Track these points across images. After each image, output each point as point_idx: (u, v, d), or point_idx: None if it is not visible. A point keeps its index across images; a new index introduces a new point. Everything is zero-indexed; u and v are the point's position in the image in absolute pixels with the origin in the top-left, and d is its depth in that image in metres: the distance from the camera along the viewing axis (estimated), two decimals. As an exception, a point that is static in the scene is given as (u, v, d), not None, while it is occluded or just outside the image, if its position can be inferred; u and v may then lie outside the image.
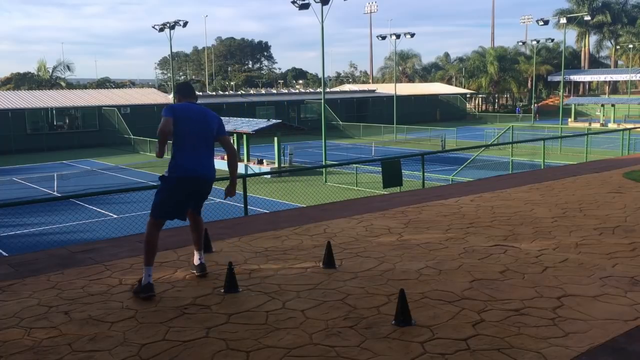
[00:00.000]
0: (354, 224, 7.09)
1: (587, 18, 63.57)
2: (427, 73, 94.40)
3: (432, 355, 3.52)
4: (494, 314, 4.15)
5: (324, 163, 27.33)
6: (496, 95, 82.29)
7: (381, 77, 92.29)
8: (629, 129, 23.16)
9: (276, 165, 29.77)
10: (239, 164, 31.65)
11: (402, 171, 11.71)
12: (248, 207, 9.13)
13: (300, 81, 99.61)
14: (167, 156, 5.10)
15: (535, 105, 64.65)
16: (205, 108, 5.12)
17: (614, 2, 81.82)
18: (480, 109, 79.95)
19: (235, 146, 32.79)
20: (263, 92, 62.37)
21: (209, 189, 5.07)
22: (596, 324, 3.94)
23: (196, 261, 5.18)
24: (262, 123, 31.17)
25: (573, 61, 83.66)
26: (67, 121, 47.08)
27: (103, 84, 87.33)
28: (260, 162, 30.48)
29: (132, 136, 43.56)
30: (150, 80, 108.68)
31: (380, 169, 11.93)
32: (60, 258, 5.92)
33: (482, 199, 8.56)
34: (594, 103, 60.26)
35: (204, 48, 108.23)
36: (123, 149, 42.61)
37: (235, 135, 32.55)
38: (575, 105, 58.77)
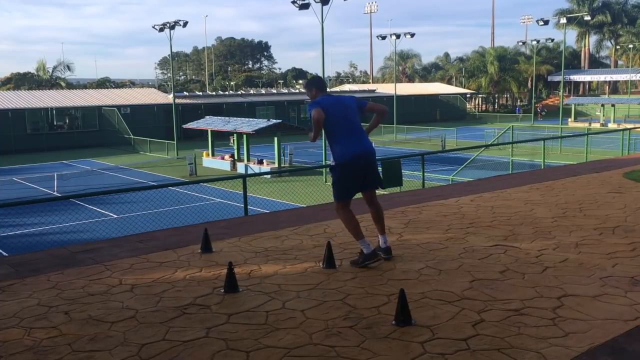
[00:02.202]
0: (354, 224, 7.08)
1: (587, 18, 63.63)
2: (427, 73, 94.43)
3: (432, 355, 3.52)
4: (494, 314, 4.15)
5: (324, 163, 27.33)
6: (496, 95, 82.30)
7: (381, 77, 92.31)
8: (629, 129, 23.16)
9: (276, 165, 29.77)
10: (239, 164, 31.29)
11: (402, 171, 11.69)
12: (248, 207, 9.13)
13: (300, 81, 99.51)
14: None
15: (540, 104, 64.55)
16: (339, 95, 5.62)
17: (614, 2, 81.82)
18: (480, 109, 79.96)
19: (235, 146, 32.93)
20: (263, 92, 62.35)
21: (375, 163, 5.49)
22: (596, 324, 3.94)
23: (382, 244, 5.51)
24: (262, 123, 31.17)
25: (573, 61, 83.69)
26: (67, 121, 47.08)
27: (103, 84, 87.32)
28: (260, 162, 30.48)
29: (132, 136, 43.57)
30: (150, 80, 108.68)
31: (380, 169, 11.91)
32: (60, 258, 5.92)
33: (482, 199, 8.56)
34: (594, 103, 60.26)
35: (204, 48, 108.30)
36: (123, 149, 42.62)
37: (235, 135, 32.58)
38: (575, 105, 58.77)
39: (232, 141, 34.99)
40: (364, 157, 5.30)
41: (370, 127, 5.69)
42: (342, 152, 5.24)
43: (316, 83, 5.58)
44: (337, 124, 5.25)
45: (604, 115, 53.30)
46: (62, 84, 71.22)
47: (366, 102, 5.55)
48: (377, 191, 5.64)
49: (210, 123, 34.58)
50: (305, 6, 29.53)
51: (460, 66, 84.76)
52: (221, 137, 37.43)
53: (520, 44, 79.12)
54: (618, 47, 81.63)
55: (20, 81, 77.70)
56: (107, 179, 29.15)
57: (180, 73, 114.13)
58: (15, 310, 4.45)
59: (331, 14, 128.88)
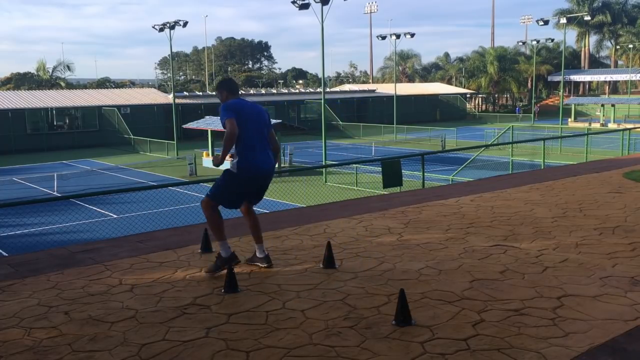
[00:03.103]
0: (354, 224, 7.09)
1: (587, 18, 63.63)
2: (427, 73, 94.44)
3: (432, 355, 3.52)
4: (494, 314, 4.15)
5: (324, 163, 27.33)
6: (496, 95, 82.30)
7: (381, 77, 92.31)
8: (629, 129, 23.17)
9: (276, 165, 29.73)
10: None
11: (402, 171, 11.70)
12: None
13: (300, 81, 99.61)
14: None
15: (537, 105, 64.65)
16: (255, 104, 5.27)
17: (614, 2, 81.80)
18: (480, 109, 79.96)
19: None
20: (263, 92, 62.34)
21: (270, 179, 5.28)
22: (596, 324, 3.94)
23: (260, 254, 5.30)
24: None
25: (573, 61, 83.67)
26: (67, 121, 47.07)
27: (103, 84, 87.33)
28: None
29: (132, 136, 43.57)
30: (150, 80, 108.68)
31: (380, 169, 11.93)
32: (60, 258, 5.92)
33: (482, 199, 8.56)
34: (594, 103, 60.25)
35: (204, 48, 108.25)
36: (123, 149, 42.62)
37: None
38: (575, 105, 58.76)
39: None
40: (264, 171, 5.08)
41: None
42: (248, 160, 4.95)
43: (227, 85, 5.20)
44: (250, 130, 4.94)
45: (604, 115, 53.30)
46: (62, 84, 71.22)
47: (271, 127, 5.27)
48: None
49: (210, 123, 34.56)
50: (305, 6, 29.53)
51: (460, 66, 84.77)
52: (221, 137, 37.32)
53: (520, 44, 79.16)
54: (618, 47, 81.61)
55: (20, 81, 77.70)
56: (107, 179, 29.15)
57: (180, 73, 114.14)
58: (15, 310, 4.45)
59: (331, 14, 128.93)
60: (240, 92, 5.33)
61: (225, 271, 4.83)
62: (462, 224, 6.98)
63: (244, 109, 4.95)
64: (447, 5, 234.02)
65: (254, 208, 5.44)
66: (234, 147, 4.92)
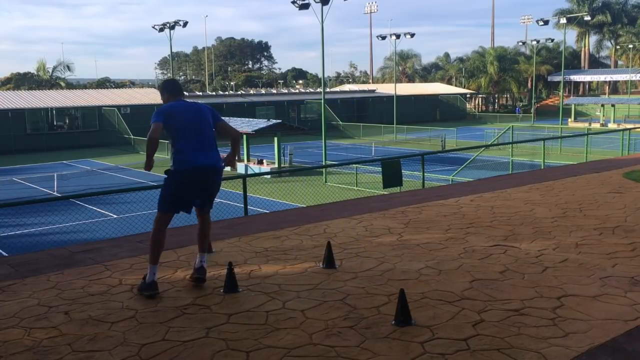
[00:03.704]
0: (354, 224, 7.09)
1: (587, 18, 63.58)
2: (427, 73, 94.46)
3: (432, 355, 3.52)
4: (494, 314, 4.15)
5: (324, 163, 27.33)
6: (496, 95, 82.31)
7: (381, 77, 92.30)
8: (629, 129, 23.16)
9: (276, 165, 29.76)
10: (239, 164, 31.19)
11: (402, 171, 11.71)
12: (248, 207, 9.13)
13: (300, 81, 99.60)
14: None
15: (535, 105, 64.73)
16: (195, 102, 5.13)
17: (614, 2, 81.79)
18: (480, 109, 79.95)
19: (235, 146, 32.87)
20: (263, 92, 62.37)
21: (218, 180, 4.99)
22: (596, 324, 3.94)
23: (197, 264, 4.97)
24: (262, 123, 31.18)
25: (573, 61, 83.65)
26: (67, 121, 47.07)
27: (103, 84, 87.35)
28: (260, 162, 30.47)
29: (132, 136, 43.56)
30: (150, 80, 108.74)
31: (380, 169, 11.93)
32: (60, 258, 5.92)
33: (482, 199, 8.56)
34: (594, 103, 60.25)
35: (204, 48, 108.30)
36: (123, 149, 42.62)
37: (235, 135, 32.53)
38: (575, 105, 58.77)
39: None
40: (204, 170, 4.82)
41: (233, 150, 5.14)
42: (183, 160, 4.78)
43: (168, 87, 5.06)
44: (184, 130, 4.80)
45: (603, 115, 53.30)
46: (62, 84, 71.22)
47: (220, 119, 5.12)
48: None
49: (210, 123, 34.53)
50: (305, 6, 29.52)
51: (460, 66, 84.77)
52: (221, 137, 37.38)
53: (520, 44, 79.08)
54: (618, 47, 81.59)
55: (20, 81, 77.71)
56: (107, 179, 29.15)
57: (180, 73, 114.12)
58: (15, 310, 4.45)
59: (331, 14, 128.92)
60: (184, 93, 5.20)
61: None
62: (462, 224, 6.98)
63: (176, 112, 4.80)
64: (447, 5, 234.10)
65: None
66: (171, 150, 4.86)
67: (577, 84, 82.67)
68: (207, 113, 5.00)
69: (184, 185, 4.82)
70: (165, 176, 4.91)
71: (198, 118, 4.91)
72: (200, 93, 61.05)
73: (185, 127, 4.82)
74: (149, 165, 4.83)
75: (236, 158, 5.21)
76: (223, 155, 5.10)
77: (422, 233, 6.58)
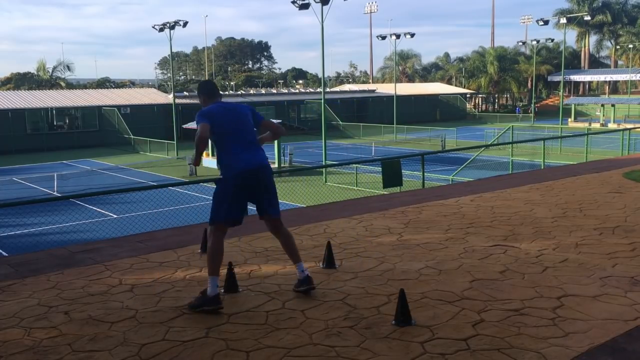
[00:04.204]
0: (354, 224, 7.09)
1: (587, 18, 63.59)
2: (427, 73, 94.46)
3: (432, 355, 3.52)
4: (494, 314, 4.15)
5: (324, 163, 27.33)
6: (496, 95, 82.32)
7: (381, 77, 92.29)
8: (629, 129, 23.16)
9: (276, 165, 29.76)
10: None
11: (402, 171, 11.70)
12: (248, 207, 9.11)
13: (300, 81, 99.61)
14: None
15: (536, 106, 64.77)
16: (234, 103, 5.03)
17: (614, 2, 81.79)
18: (480, 109, 79.97)
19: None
20: (263, 92, 62.36)
21: (271, 179, 4.80)
22: (596, 324, 3.94)
23: (300, 275, 4.69)
24: (262, 123, 31.11)
25: (573, 61, 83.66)
26: (67, 121, 47.08)
27: (103, 84, 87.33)
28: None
29: (132, 136, 43.57)
30: (150, 80, 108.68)
31: (380, 169, 11.93)
32: (60, 258, 5.92)
33: (482, 199, 8.56)
34: (594, 103, 60.26)
35: (204, 48, 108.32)
36: (123, 149, 42.62)
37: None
38: (575, 105, 58.78)
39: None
40: (255, 170, 4.63)
41: (262, 140, 4.96)
42: (230, 165, 4.59)
43: (204, 89, 4.93)
44: (227, 135, 4.66)
45: (604, 115, 53.30)
46: (62, 84, 71.24)
47: (262, 117, 4.98)
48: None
49: (210, 123, 34.54)
50: (305, 6, 29.53)
51: (460, 66, 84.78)
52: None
53: (520, 44, 79.12)
54: (618, 47, 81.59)
55: (20, 81, 77.70)
56: (107, 179, 29.15)
57: (180, 73, 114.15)
58: (15, 310, 4.45)
59: (331, 14, 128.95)
60: (221, 94, 5.07)
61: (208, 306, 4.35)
62: (462, 224, 6.98)
63: (218, 115, 4.67)
64: (447, 5, 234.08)
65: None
66: (218, 156, 4.73)
67: (577, 84, 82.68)
68: (248, 113, 4.86)
69: (237, 190, 4.59)
70: (216, 186, 4.73)
71: (240, 119, 4.77)
72: (201, 93, 60.93)
73: (229, 130, 4.69)
74: (197, 161, 4.62)
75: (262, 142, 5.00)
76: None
77: (422, 233, 6.58)
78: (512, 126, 28.55)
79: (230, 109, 4.78)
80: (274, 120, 4.84)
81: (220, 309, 4.32)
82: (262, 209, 4.72)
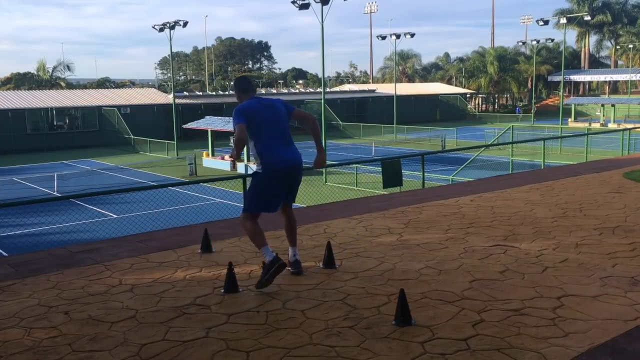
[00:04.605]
0: (354, 224, 7.09)
1: (587, 18, 63.61)
2: (427, 73, 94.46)
3: (432, 355, 3.52)
4: (494, 314, 4.15)
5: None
6: (496, 95, 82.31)
7: (381, 77, 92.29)
8: (629, 129, 23.15)
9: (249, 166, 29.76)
10: (239, 164, 31.21)
11: (402, 171, 11.70)
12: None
13: (300, 81, 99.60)
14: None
15: (535, 106, 64.78)
16: (267, 97, 5.19)
17: (614, 2, 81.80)
18: (480, 109, 79.98)
19: (235, 146, 32.92)
20: (263, 92, 62.30)
21: (301, 176, 5.14)
22: (596, 324, 3.94)
23: (290, 258, 5.14)
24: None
25: (573, 61, 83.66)
26: (67, 121, 47.09)
27: (103, 84, 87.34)
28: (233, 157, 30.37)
29: (132, 136, 43.58)
30: (150, 80, 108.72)
31: (380, 169, 11.93)
32: (60, 258, 5.92)
33: (482, 199, 8.56)
34: (594, 103, 60.25)
35: (204, 48, 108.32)
36: (123, 149, 42.63)
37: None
38: (575, 105, 58.77)
39: (232, 141, 34.99)
40: (292, 167, 4.94)
41: (316, 139, 5.19)
42: (269, 160, 4.85)
43: (240, 85, 5.13)
44: (264, 130, 4.87)
45: (604, 115, 53.29)
46: (62, 84, 71.24)
47: (294, 107, 5.19)
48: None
49: (210, 123, 34.59)
50: (305, 6, 29.54)
51: (460, 66, 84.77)
52: (221, 137, 37.44)
53: (520, 44, 79.14)
54: (618, 47, 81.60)
55: (20, 81, 77.69)
56: (107, 179, 29.15)
57: (180, 73, 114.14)
58: (15, 310, 4.45)
59: (331, 14, 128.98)
60: (255, 89, 5.26)
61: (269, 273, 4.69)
62: (462, 224, 6.98)
63: (255, 111, 4.86)
64: (447, 5, 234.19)
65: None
66: (254, 149, 4.94)
67: (577, 84, 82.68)
68: (281, 107, 5.05)
69: (273, 183, 4.88)
70: (253, 178, 5.02)
71: (275, 114, 4.95)
72: (201, 93, 61.03)
73: (265, 126, 4.88)
74: (237, 155, 5.02)
75: (323, 154, 5.29)
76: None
77: (422, 233, 6.58)
78: (512, 126, 28.55)
79: (267, 105, 4.98)
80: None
81: (284, 265, 4.73)
82: (286, 199, 5.10)
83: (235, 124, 4.78)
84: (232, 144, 4.78)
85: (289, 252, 5.19)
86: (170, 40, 40.99)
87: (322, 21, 28.07)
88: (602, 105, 55.48)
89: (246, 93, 5.04)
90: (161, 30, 41.41)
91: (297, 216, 7.86)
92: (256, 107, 4.90)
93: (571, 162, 16.67)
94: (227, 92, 64.70)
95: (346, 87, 74.88)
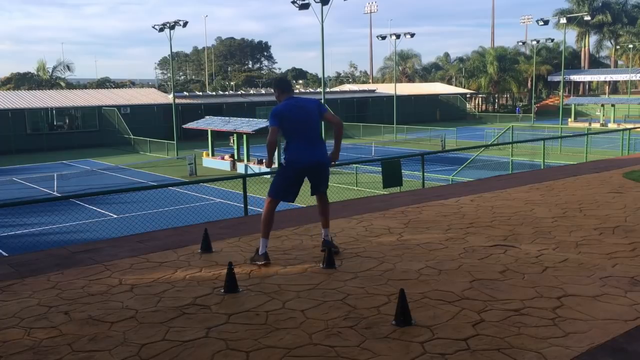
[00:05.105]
0: (354, 224, 7.09)
1: (587, 18, 63.60)
2: (427, 73, 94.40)
3: (432, 355, 3.52)
4: (494, 314, 4.15)
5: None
6: (496, 95, 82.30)
7: (381, 77, 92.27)
8: (629, 129, 23.14)
9: (276, 165, 29.68)
10: (239, 164, 31.20)
11: (402, 171, 11.70)
12: (248, 207, 9.13)
13: (300, 81, 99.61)
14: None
15: (535, 106, 64.78)
16: (302, 98, 5.67)
17: (614, 2, 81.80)
18: (480, 109, 79.97)
19: (235, 146, 32.96)
20: (263, 92, 62.32)
21: (326, 171, 5.66)
22: (596, 324, 3.94)
23: (324, 235, 5.72)
24: (262, 123, 31.17)
25: (573, 61, 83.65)
26: (67, 121, 47.09)
27: (103, 84, 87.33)
28: (260, 162, 30.46)
29: (132, 136, 43.57)
30: (150, 80, 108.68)
31: (380, 169, 11.92)
32: (60, 258, 5.92)
33: (482, 199, 8.56)
34: (594, 103, 60.25)
35: (204, 48, 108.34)
36: (123, 149, 42.62)
37: (235, 135, 32.58)
38: (575, 105, 58.76)
39: (232, 141, 35.02)
40: (315, 167, 5.47)
41: (336, 140, 5.64)
42: (294, 157, 5.40)
43: (281, 85, 5.66)
44: (294, 130, 5.39)
45: (603, 115, 53.30)
46: (62, 84, 71.20)
47: (326, 110, 5.64)
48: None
49: (210, 123, 34.59)
50: (305, 6, 29.56)
51: (460, 66, 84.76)
52: (221, 137, 37.45)
53: (520, 44, 79.08)
54: (618, 47, 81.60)
55: (20, 81, 77.64)
56: (107, 179, 29.15)
57: (180, 73, 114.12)
58: (15, 310, 4.45)
59: (331, 14, 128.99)
60: (291, 89, 5.71)
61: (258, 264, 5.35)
62: (462, 224, 6.98)
63: (287, 112, 5.35)
64: (447, 5, 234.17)
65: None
66: (284, 146, 5.46)
67: (577, 84, 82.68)
68: (314, 108, 5.51)
69: (292, 177, 5.45)
70: (279, 168, 5.57)
71: (307, 115, 5.43)
72: (201, 93, 61.02)
73: (296, 127, 5.38)
74: (269, 163, 5.49)
75: (339, 152, 5.71)
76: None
77: (422, 233, 6.58)
78: (512, 126, 28.54)
79: (300, 106, 5.45)
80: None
81: (269, 264, 5.35)
82: (315, 190, 5.67)
83: (269, 126, 5.31)
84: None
85: (322, 233, 5.77)
86: (170, 40, 41.00)
87: (322, 21, 28.07)
88: (602, 105, 55.49)
89: (284, 93, 5.54)
90: (161, 30, 41.40)
91: (297, 216, 7.87)
92: (289, 108, 5.39)
93: (571, 162, 16.67)
94: (227, 92, 64.74)
95: (346, 87, 74.87)
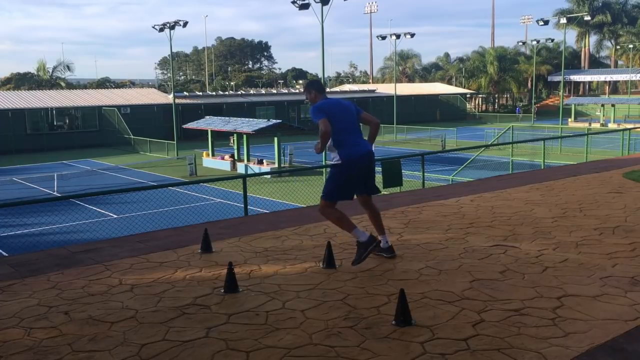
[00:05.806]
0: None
1: (587, 18, 63.53)
2: (427, 73, 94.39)
3: (432, 355, 3.52)
4: (494, 314, 4.15)
5: (323, 163, 27.31)
6: (496, 95, 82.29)
7: (381, 77, 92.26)
8: (629, 129, 23.15)
9: (276, 165, 29.76)
10: (239, 164, 31.25)
11: (402, 171, 11.69)
12: (248, 207, 9.13)
13: (301, 81, 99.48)
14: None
15: (536, 106, 64.78)
16: (340, 99, 5.75)
17: (614, 2, 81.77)
18: (480, 109, 79.96)
19: (235, 146, 32.98)
20: (263, 92, 62.34)
21: (374, 161, 5.61)
22: (596, 324, 3.94)
23: (383, 245, 5.52)
24: (262, 123, 31.17)
25: (573, 61, 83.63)
26: (67, 121, 47.07)
27: (103, 84, 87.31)
28: (260, 162, 30.48)
29: (132, 136, 43.56)
30: (150, 80, 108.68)
31: (380, 169, 11.91)
32: (60, 258, 5.92)
33: (482, 199, 8.56)
34: (594, 103, 60.26)
35: (204, 48, 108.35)
36: (123, 149, 42.61)
37: (235, 135, 32.58)
38: (575, 105, 58.77)
39: (232, 141, 35.03)
40: (368, 158, 5.43)
41: (371, 138, 5.73)
42: (349, 152, 5.35)
43: (316, 85, 5.69)
44: (342, 126, 5.39)
45: (604, 115, 53.30)
46: (62, 84, 71.19)
47: (362, 110, 5.71)
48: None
49: (210, 123, 34.58)
50: (305, 6, 29.54)
51: (460, 66, 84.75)
52: (221, 137, 37.44)
53: (520, 44, 79.06)
54: (618, 47, 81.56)
55: (20, 81, 77.64)
56: (107, 179, 29.15)
57: (180, 73, 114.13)
58: (15, 310, 4.45)
59: (331, 14, 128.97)
60: (326, 90, 5.82)
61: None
62: (462, 224, 6.98)
63: (332, 108, 5.40)
64: (447, 5, 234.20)
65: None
66: (333, 143, 5.42)
67: (577, 84, 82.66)
68: (352, 106, 5.60)
69: (353, 173, 5.36)
70: (332, 168, 5.54)
71: (349, 112, 5.50)
72: (201, 93, 61.02)
73: (344, 122, 5.40)
74: (322, 149, 5.39)
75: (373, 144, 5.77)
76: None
77: (422, 233, 6.58)
78: (512, 126, 28.55)
79: (342, 104, 5.56)
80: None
81: (379, 243, 5.34)
82: (362, 190, 5.56)
83: (318, 119, 5.30)
84: (318, 139, 5.30)
85: (382, 240, 5.53)
86: (170, 40, 40.99)
87: (322, 21, 28.07)
88: (602, 105, 55.49)
89: (321, 93, 5.59)
90: (161, 30, 41.39)
91: (297, 216, 7.88)
92: (333, 105, 5.45)
93: (571, 162, 16.66)
94: (227, 92, 64.72)
95: (346, 87, 74.85)
